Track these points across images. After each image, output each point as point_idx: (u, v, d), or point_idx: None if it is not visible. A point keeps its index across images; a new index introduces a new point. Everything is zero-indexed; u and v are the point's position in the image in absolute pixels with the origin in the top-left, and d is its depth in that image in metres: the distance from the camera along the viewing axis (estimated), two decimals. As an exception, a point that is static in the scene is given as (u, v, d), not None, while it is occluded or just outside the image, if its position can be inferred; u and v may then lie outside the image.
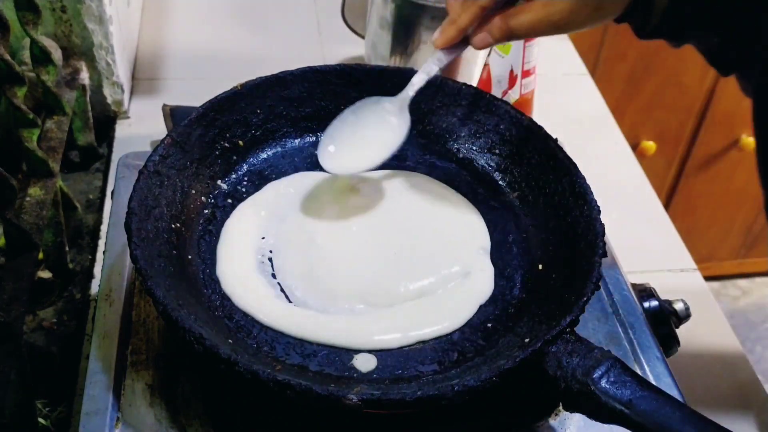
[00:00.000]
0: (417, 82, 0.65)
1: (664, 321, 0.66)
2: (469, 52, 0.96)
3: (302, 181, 0.69)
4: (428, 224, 0.65)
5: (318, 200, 0.66)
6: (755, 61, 0.58)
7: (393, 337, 0.57)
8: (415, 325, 0.58)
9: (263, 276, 0.61)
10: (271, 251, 0.63)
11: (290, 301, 0.59)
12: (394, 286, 0.60)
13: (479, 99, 0.71)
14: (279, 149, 0.71)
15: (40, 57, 0.77)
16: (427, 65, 0.65)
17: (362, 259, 0.62)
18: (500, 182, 0.70)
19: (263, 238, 0.64)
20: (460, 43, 0.64)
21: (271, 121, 0.71)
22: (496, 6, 0.60)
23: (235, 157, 0.69)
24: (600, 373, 0.49)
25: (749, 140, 1.69)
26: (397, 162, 0.70)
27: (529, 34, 0.60)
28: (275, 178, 0.69)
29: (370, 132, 0.64)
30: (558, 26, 0.57)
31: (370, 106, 0.65)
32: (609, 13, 0.58)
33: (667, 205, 1.02)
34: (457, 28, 0.62)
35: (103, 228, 0.81)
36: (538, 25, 0.58)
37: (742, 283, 2.10)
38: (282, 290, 0.60)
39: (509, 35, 0.59)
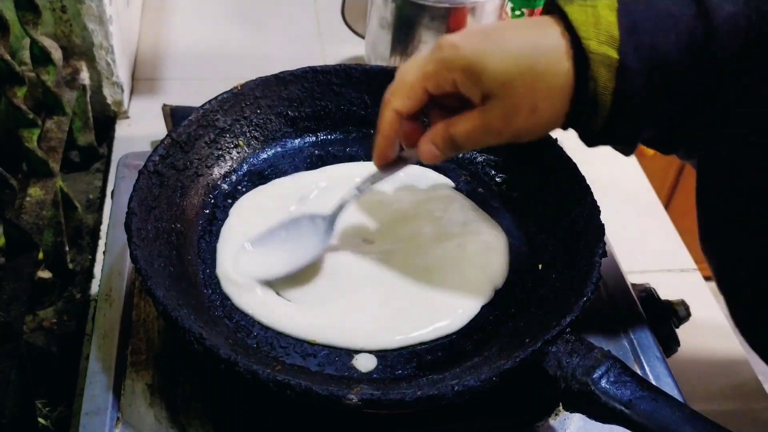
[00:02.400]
0: (347, 200, 0.61)
1: (664, 321, 0.66)
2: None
3: (302, 180, 0.69)
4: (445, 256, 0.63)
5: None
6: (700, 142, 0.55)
7: (394, 338, 0.57)
8: (417, 325, 0.58)
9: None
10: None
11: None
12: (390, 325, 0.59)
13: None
14: (279, 149, 0.71)
15: (40, 57, 0.77)
16: (365, 182, 0.60)
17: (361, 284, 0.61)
18: (500, 182, 0.70)
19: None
20: (399, 162, 0.59)
21: (271, 121, 0.71)
22: (412, 112, 0.56)
23: (235, 157, 0.69)
24: (600, 373, 0.49)
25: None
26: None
27: (472, 144, 0.54)
28: (275, 178, 0.69)
29: (290, 243, 0.62)
30: (499, 135, 0.53)
31: (302, 221, 0.62)
32: (551, 117, 0.52)
33: (667, 205, 1.02)
34: (382, 138, 0.57)
35: (103, 228, 0.81)
36: (474, 134, 0.53)
37: (742, 283, 2.09)
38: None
39: (454, 146, 0.55)
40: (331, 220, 0.61)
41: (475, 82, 0.51)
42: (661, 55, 0.50)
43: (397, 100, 0.55)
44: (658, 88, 0.51)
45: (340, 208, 0.61)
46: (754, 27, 0.50)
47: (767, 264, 0.54)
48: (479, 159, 0.71)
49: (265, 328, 0.57)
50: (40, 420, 0.65)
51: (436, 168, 0.71)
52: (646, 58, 0.50)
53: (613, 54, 0.49)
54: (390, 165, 0.59)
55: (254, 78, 0.69)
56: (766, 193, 0.52)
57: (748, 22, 0.50)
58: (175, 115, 0.77)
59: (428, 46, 0.93)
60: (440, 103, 0.56)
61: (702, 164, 0.57)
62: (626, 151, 0.58)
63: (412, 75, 0.54)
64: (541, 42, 0.51)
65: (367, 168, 0.61)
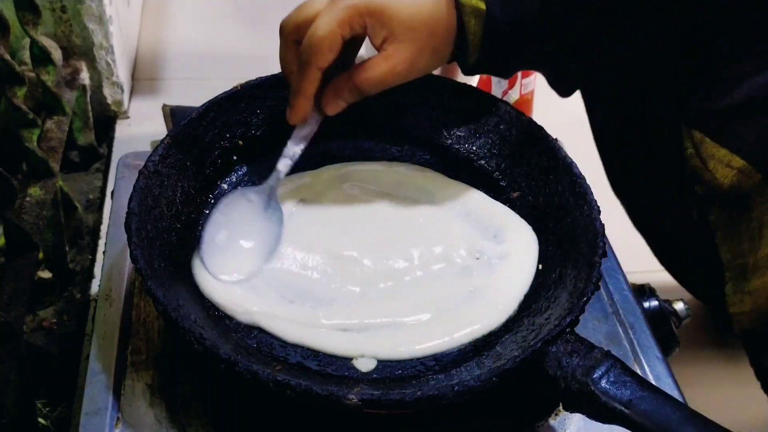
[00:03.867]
0: (282, 169, 0.62)
1: (664, 321, 0.66)
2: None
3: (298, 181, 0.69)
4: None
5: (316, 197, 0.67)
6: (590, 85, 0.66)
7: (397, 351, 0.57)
8: (419, 339, 0.57)
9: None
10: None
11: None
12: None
13: (479, 99, 0.71)
14: (279, 149, 0.71)
15: (40, 57, 0.77)
16: (288, 148, 0.62)
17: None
18: (500, 182, 0.70)
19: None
20: (315, 113, 0.62)
21: (271, 121, 0.71)
22: (335, 67, 0.59)
23: (235, 157, 0.69)
24: (600, 373, 0.49)
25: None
26: (397, 161, 0.71)
27: (378, 88, 0.59)
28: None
29: (246, 231, 0.61)
30: (403, 75, 0.59)
31: (236, 202, 0.62)
32: (444, 56, 0.62)
33: (666, 205, 1.02)
34: (305, 99, 0.59)
35: (103, 228, 0.81)
36: (384, 78, 0.59)
37: (742, 283, 2.09)
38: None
39: (359, 94, 0.59)
40: (269, 191, 0.62)
41: (384, 25, 0.57)
42: (523, 8, 0.60)
43: (320, 57, 0.57)
44: (520, 34, 0.61)
45: (275, 178, 0.62)
46: None
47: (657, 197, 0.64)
48: (479, 161, 0.71)
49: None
50: (40, 420, 0.65)
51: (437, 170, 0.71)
52: (509, 11, 0.60)
53: (482, 5, 0.59)
54: (307, 122, 0.62)
55: (254, 78, 0.69)
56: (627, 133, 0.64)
57: None
58: (175, 115, 0.77)
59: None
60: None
61: (589, 105, 0.68)
62: (503, 75, 0.68)
63: (327, 28, 0.56)
64: None
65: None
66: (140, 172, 0.60)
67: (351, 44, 0.59)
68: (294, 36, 0.60)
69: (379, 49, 0.59)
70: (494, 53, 0.62)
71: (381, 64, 0.58)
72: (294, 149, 0.62)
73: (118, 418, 0.54)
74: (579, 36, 0.64)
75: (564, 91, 0.71)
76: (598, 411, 0.49)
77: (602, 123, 0.68)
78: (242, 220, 0.61)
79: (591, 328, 0.62)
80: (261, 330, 0.57)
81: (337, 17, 0.56)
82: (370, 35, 0.58)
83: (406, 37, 0.58)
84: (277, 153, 0.71)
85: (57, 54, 0.80)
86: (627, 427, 0.48)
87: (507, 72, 0.67)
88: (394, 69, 0.58)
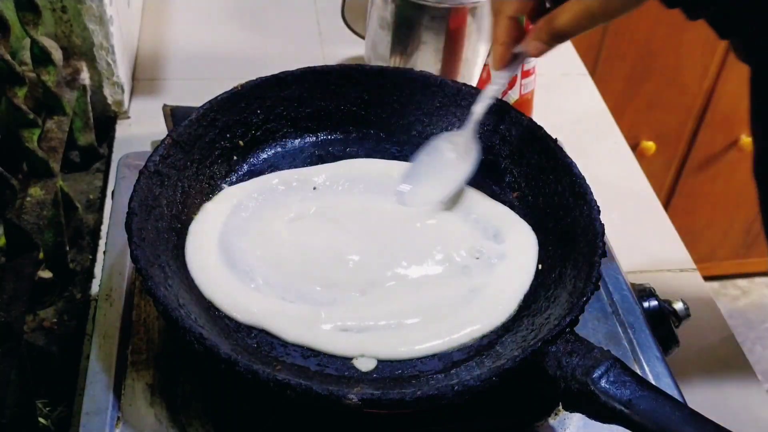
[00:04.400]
0: (479, 108, 0.67)
1: (664, 321, 0.66)
2: (469, 52, 0.97)
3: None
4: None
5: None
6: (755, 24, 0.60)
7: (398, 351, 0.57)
8: (419, 339, 0.57)
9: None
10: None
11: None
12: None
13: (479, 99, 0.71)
14: (279, 149, 0.71)
15: (41, 57, 0.77)
16: (488, 90, 0.67)
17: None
18: (500, 182, 0.70)
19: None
20: (514, 60, 0.65)
21: (271, 121, 0.71)
22: (524, 13, 0.62)
23: (235, 157, 0.69)
24: (600, 373, 0.49)
25: (749, 140, 1.69)
26: (398, 161, 0.71)
27: (574, 30, 0.60)
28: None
29: (442, 168, 0.67)
30: (598, 16, 0.58)
31: (441, 143, 0.68)
32: None
33: (666, 205, 1.02)
34: (500, 45, 0.63)
35: (104, 228, 0.81)
36: (579, 20, 0.59)
37: (742, 283, 2.10)
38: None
39: (558, 36, 0.61)
40: (470, 133, 0.66)
41: None
42: None
43: (510, 6, 0.61)
44: None
45: (476, 118, 0.66)
46: None
47: None
48: (479, 161, 0.71)
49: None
50: (41, 420, 0.65)
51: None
52: None
53: None
54: (507, 65, 0.66)
55: (254, 78, 0.69)
56: None
57: None
58: (175, 115, 0.77)
59: (428, 46, 0.93)
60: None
61: (759, 63, 0.61)
62: (691, 18, 0.61)
63: None
64: None
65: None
66: (140, 172, 0.60)
67: None
68: None
69: None
70: None
71: (575, 6, 0.58)
72: (494, 89, 0.67)
73: (118, 418, 0.54)
74: None
75: (726, 35, 0.63)
76: (597, 411, 0.49)
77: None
78: (443, 159, 0.67)
79: (591, 328, 0.62)
80: (261, 330, 0.57)
81: None
82: None
83: None
84: (277, 153, 0.71)
85: (57, 54, 0.80)
86: (627, 427, 0.48)
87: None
88: (589, 9, 0.58)
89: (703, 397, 0.76)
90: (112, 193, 0.72)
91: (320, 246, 0.63)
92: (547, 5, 0.62)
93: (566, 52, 1.19)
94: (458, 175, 0.66)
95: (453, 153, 0.67)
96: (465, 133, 0.67)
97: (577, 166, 0.63)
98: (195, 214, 0.64)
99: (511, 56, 0.65)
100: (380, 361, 0.56)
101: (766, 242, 0.65)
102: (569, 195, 0.62)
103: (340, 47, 1.11)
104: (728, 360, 0.80)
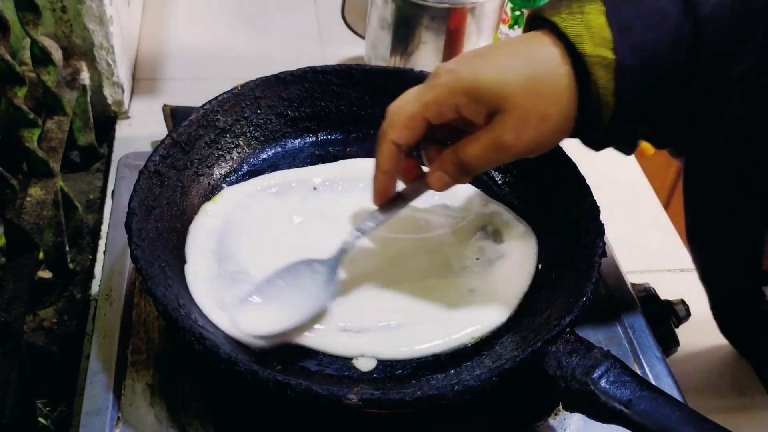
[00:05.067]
0: (349, 243, 0.58)
1: (664, 321, 0.66)
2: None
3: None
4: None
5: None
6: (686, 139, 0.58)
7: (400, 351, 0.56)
8: (419, 339, 0.57)
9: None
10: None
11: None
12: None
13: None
14: (279, 149, 0.71)
15: (41, 57, 0.77)
16: (364, 222, 0.58)
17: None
18: (500, 182, 0.70)
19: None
20: (398, 199, 0.58)
21: (271, 122, 0.71)
22: (410, 142, 0.54)
23: (235, 157, 0.69)
24: (600, 373, 0.49)
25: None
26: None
27: (483, 164, 0.54)
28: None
29: (297, 293, 0.57)
30: (510, 150, 0.52)
31: (300, 269, 0.58)
32: (558, 123, 0.52)
33: (667, 205, 1.02)
34: (381, 175, 0.56)
35: (104, 228, 0.81)
36: (488, 153, 0.52)
37: (742, 283, 2.09)
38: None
39: (464, 170, 0.54)
40: (333, 265, 0.58)
41: (479, 101, 0.51)
42: (653, 52, 0.51)
43: (396, 132, 0.54)
44: (654, 84, 0.52)
45: (342, 252, 0.58)
46: (738, 16, 0.51)
47: (746, 257, 0.57)
48: (479, 159, 0.71)
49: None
50: (41, 420, 0.65)
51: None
52: (639, 55, 0.51)
53: (609, 54, 0.50)
54: (389, 204, 0.58)
55: (254, 78, 0.69)
56: (746, 189, 0.55)
57: (732, 12, 0.51)
58: (175, 115, 0.77)
59: (428, 46, 0.93)
60: (433, 137, 0.56)
61: (689, 159, 0.59)
62: (628, 151, 0.59)
63: (409, 106, 0.53)
64: (537, 52, 0.52)
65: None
66: (141, 172, 0.60)
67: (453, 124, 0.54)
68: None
69: (483, 126, 0.52)
70: (629, 112, 0.53)
71: (483, 136, 0.52)
72: (369, 223, 0.58)
73: (118, 418, 0.54)
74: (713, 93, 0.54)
75: (661, 145, 0.62)
76: (597, 411, 0.49)
77: (696, 180, 0.60)
78: (298, 286, 0.57)
79: (591, 328, 0.62)
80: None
81: (423, 99, 0.53)
82: (469, 116, 0.52)
83: (505, 106, 0.50)
84: (277, 153, 0.71)
85: (57, 54, 0.80)
86: (627, 427, 0.48)
87: (636, 140, 0.60)
88: (497, 142, 0.51)
89: (703, 397, 0.75)
90: (112, 193, 0.72)
91: (320, 246, 0.63)
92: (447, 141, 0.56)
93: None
94: (307, 309, 0.56)
95: (312, 282, 0.57)
96: (329, 263, 0.58)
97: (577, 166, 0.63)
98: (195, 214, 0.64)
99: (394, 192, 0.58)
100: (380, 361, 0.56)
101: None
102: (569, 195, 0.62)
103: (340, 47, 1.11)
104: (728, 360, 0.80)
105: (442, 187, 0.56)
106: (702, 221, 0.60)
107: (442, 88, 0.52)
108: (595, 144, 0.57)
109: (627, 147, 0.60)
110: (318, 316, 0.57)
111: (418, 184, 0.58)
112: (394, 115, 0.54)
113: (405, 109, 0.53)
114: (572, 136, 0.55)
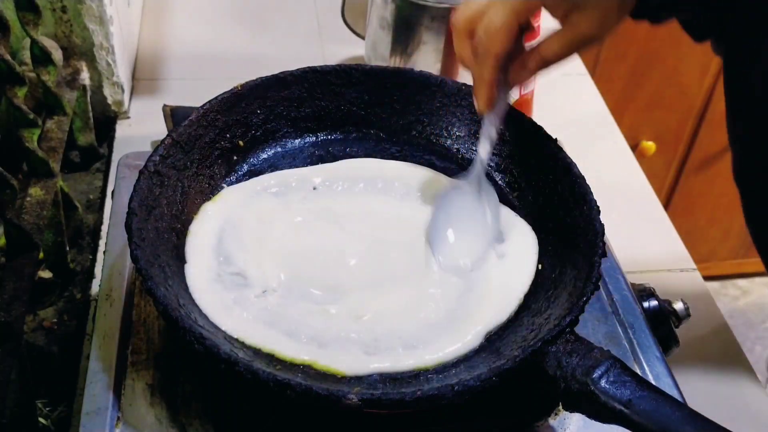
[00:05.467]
0: (483, 153, 0.64)
1: (664, 321, 0.66)
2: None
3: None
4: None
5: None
6: (729, 27, 0.60)
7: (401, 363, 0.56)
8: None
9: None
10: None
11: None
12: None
13: (479, 99, 0.71)
14: (279, 149, 0.71)
15: (41, 57, 0.77)
16: (485, 131, 0.64)
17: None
18: (500, 182, 0.70)
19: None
20: (502, 91, 0.64)
21: (271, 121, 0.71)
22: (509, 52, 0.60)
23: (235, 157, 0.69)
24: (599, 372, 0.49)
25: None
26: (397, 161, 0.71)
27: (565, 57, 0.60)
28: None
29: (470, 224, 0.64)
30: (590, 39, 0.59)
31: (453, 198, 0.65)
32: (630, 5, 0.59)
33: (666, 205, 1.02)
34: (487, 86, 0.62)
35: (104, 228, 0.81)
36: (572, 45, 0.59)
37: (742, 283, 2.10)
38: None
39: (546, 65, 0.60)
40: (476, 179, 0.64)
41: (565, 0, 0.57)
42: None
43: (497, 45, 0.59)
44: None
45: (481, 165, 0.64)
46: None
47: None
48: (479, 159, 0.71)
49: (265, 328, 0.57)
50: (41, 420, 0.65)
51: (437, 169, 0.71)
52: None
53: None
54: (493, 110, 0.64)
55: (254, 78, 0.69)
56: None
57: None
58: (175, 115, 0.77)
59: (428, 46, 0.93)
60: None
61: (728, 54, 0.62)
62: (655, 23, 0.62)
63: (502, 17, 0.58)
64: None
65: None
66: (140, 172, 0.60)
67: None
68: (468, 27, 0.61)
69: (561, 21, 0.58)
70: None
71: (566, 34, 0.58)
72: (490, 131, 0.64)
73: (118, 418, 0.54)
74: None
75: (701, 35, 0.65)
76: (597, 411, 0.49)
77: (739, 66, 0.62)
78: (462, 211, 0.64)
79: (591, 328, 0.62)
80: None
81: (513, 6, 0.58)
82: (550, 11, 0.58)
83: (590, 3, 0.57)
84: (277, 153, 0.71)
85: (57, 54, 0.80)
86: (627, 427, 0.48)
87: (664, 16, 0.62)
88: (581, 35, 0.58)
89: (703, 397, 0.75)
90: (112, 193, 0.72)
91: (320, 247, 0.63)
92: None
93: (566, 52, 1.19)
94: (486, 228, 0.64)
95: (470, 204, 0.64)
96: (474, 180, 0.65)
97: (577, 166, 0.63)
98: (195, 214, 0.64)
99: (496, 95, 0.63)
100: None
101: (755, 246, 0.65)
102: (569, 195, 0.62)
103: (340, 47, 1.11)
104: (728, 360, 0.80)
105: (522, 80, 0.63)
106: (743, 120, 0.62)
107: None
108: (652, 17, 0.61)
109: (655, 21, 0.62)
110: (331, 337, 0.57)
111: (504, 86, 0.63)
112: (491, 32, 0.59)
113: (498, 22, 0.58)
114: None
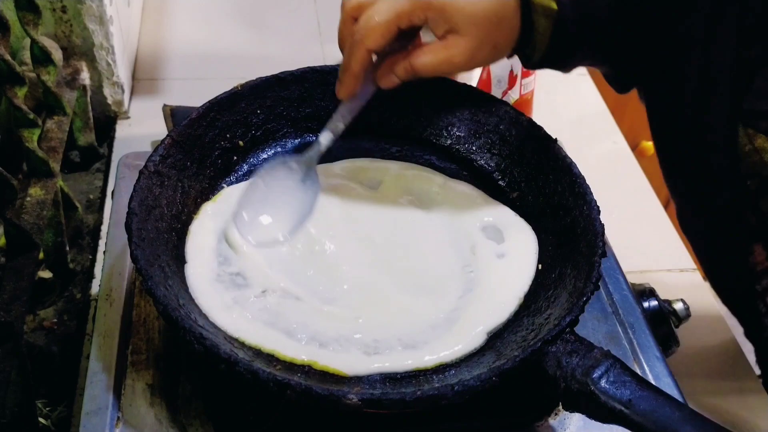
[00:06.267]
0: (324, 141, 0.64)
1: (664, 321, 0.66)
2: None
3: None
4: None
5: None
6: (651, 82, 0.64)
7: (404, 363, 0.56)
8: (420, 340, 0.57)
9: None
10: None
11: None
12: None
13: (479, 99, 0.71)
14: (279, 149, 0.71)
15: (41, 57, 0.77)
16: (332, 122, 0.63)
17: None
18: (500, 182, 0.70)
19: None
20: (367, 87, 0.63)
21: (271, 121, 0.71)
22: (384, 50, 0.60)
23: (235, 157, 0.69)
24: (599, 372, 0.49)
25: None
26: (397, 161, 0.71)
27: (433, 74, 0.61)
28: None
29: (282, 198, 0.63)
30: (459, 66, 0.60)
31: (278, 169, 0.64)
32: (504, 52, 0.62)
33: (667, 205, 1.02)
34: (352, 76, 0.61)
35: (104, 228, 0.81)
36: (440, 65, 0.60)
37: (742, 283, 2.09)
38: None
39: (413, 74, 0.61)
40: (309, 162, 0.63)
41: (447, 20, 0.58)
42: (594, 8, 0.60)
43: (372, 39, 0.59)
44: (588, 33, 0.61)
45: (316, 150, 0.63)
46: None
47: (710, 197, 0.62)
48: (479, 161, 0.71)
49: (265, 328, 0.57)
50: (41, 420, 0.65)
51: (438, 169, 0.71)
52: (580, 11, 0.60)
53: (553, 5, 0.59)
54: (350, 102, 0.63)
55: (254, 78, 0.69)
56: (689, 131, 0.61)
57: None
58: (175, 115, 0.78)
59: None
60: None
61: (648, 103, 0.66)
62: (564, 72, 0.67)
63: (385, 15, 0.58)
64: None
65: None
66: (140, 172, 0.60)
67: (410, 30, 0.61)
68: (354, 13, 0.61)
69: (439, 38, 0.60)
70: (560, 52, 0.62)
71: (440, 51, 0.59)
72: (338, 123, 0.63)
73: (118, 418, 0.54)
74: (645, 32, 0.62)
75: (622, 88, 0.70)
76: (597, 411, 0.49)
77: (660, 124, 0.66)
78: (280, 186, 0.63)
79: (591, 328, 0.62)
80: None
81: (399, 9, 0.58)
82: (432, 26, 0.59)
83: (468, 31, 0.58)
84: (277, 153, 0.71)
85: (57, 54, 0.80)
86: (627, 427, 0.48)
87: (567, 68, 0.67)
88: (451, 59, 0.59)
89: (703, 397, 0.76)
90: (112, 193, 0.72)
91: (319, 247, 0.63)
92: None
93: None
94: (302, 209, 0.63)
95: (293, 182, 0.64)
96: (305, 161, 0.64)
97: (577, 166, 0.63)
98: (195, 214, 0.64)
99: (359, 88, 0.63)
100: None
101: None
102: (569, 195, 0.62)
103: (340, 47, 1.11)
104: (728, 360, 0.80)
105: (390, 86, 0.62)
106: (669, 162, 0.66)
107: (421, 2, 0.58)
108: (528, 65, 0.64)
109: (562, 71, 0.67)
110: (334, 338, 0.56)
111: (369, 84, 0.63)
112: (370, 23, 0.59)
113: (380, 19, 0.58)
114: (509, 55, 0.64)
